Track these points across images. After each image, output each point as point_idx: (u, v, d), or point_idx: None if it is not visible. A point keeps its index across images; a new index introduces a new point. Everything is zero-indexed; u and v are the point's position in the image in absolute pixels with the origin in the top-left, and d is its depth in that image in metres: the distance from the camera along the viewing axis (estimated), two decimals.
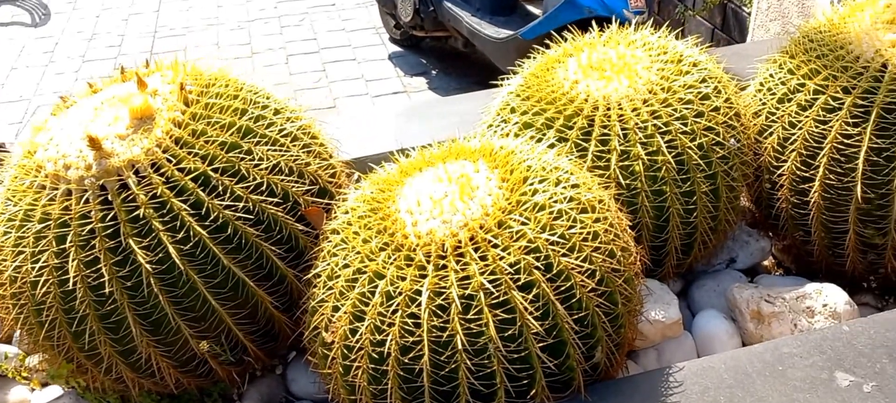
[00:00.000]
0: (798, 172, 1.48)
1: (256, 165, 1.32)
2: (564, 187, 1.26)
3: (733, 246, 1.68)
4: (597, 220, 1.24)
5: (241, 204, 1.27)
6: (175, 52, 5.50)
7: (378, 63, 5.08)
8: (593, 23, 1.77)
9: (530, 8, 4.47)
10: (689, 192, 1.45)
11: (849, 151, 1.39)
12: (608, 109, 1.48)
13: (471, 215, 1.21)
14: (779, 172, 1.51)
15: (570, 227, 1.20)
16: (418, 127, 2.04)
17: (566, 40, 1.71)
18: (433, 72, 4.93)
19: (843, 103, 1.40)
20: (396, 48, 5.24)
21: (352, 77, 4.93)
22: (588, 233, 1.21)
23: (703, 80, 1.51)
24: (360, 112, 2.25)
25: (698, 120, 1.46)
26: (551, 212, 1.21)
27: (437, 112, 2.12)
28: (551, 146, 1.50)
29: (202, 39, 5.62)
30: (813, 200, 1.46)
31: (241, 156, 1.31)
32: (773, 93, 1.54)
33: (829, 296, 1.42)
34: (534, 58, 1.71)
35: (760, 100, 1.58)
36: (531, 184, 1.25)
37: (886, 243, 1.41)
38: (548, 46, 1.72)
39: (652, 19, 2.94)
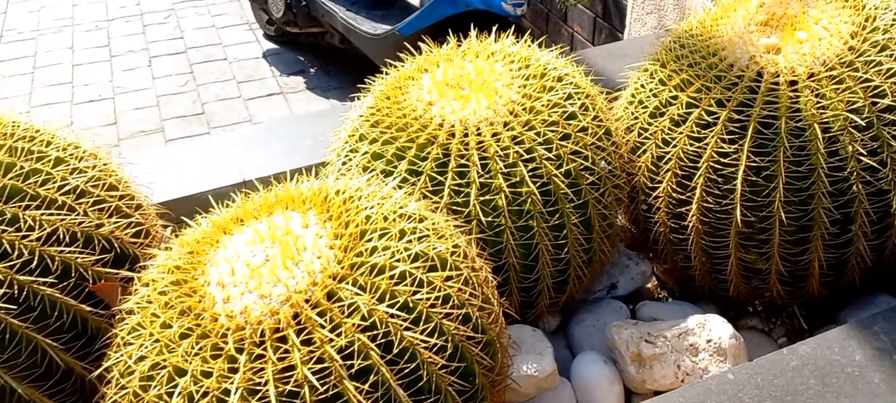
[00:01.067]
0: (674, 194, 1.34)
1: (24, 236, 1.04)
2: (410, 240, 1.06)
3: (613, 271, 1.54)
4: (449, 278, 1.05)
5: (2, 291, 1.00)
6: (23, 59, 4.87)
7: (251, 62, 4.74)
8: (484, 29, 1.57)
9: (410, 0, 4.25)
10: (559, 225, 1.29)
11: (726, 171, 1.26)
12: (465, 136, 1.30)
13: (295, 285, 0.99)
14: (654, 194, 1.37)
15: (415, 293, 1.00)
16: (266, 153, 1.79)
17: (421, 53, 1.50)
18: (311, 70, 4.64)
19: (717, 118, 1.27)
20: (271, 45, 4.91)
21: (223, 79, 4.57)
22: (437, 298, 1.02)
23: (569, 97, 1.34)
24: (202, 139, 1.97)
25: (564, 143, 1.29)
26: (392, 276, 1.00)
27: (289, 133, 1.88)
28: (403, 181, 1.31)
29: (54, 43, 5.08)
30: (691, 224, 1.33)
31: (2, 227, 1.03)
32: (645, 107, 1.40)
33: (713, 330, 1.29)
34: (386, 74, 1.50)
35: (632, 113, 1.43)
36: (370, 240, 1.05)
37: (770, 268, 1.30)
38: (433, 43, 1.53)
39: (512, 29, 2.77)
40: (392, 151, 1.33)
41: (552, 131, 1.29)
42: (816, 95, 1.22)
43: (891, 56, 1.22)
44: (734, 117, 1.26)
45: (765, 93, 1.25)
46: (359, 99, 1.52)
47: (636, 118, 1.42)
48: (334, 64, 4.65)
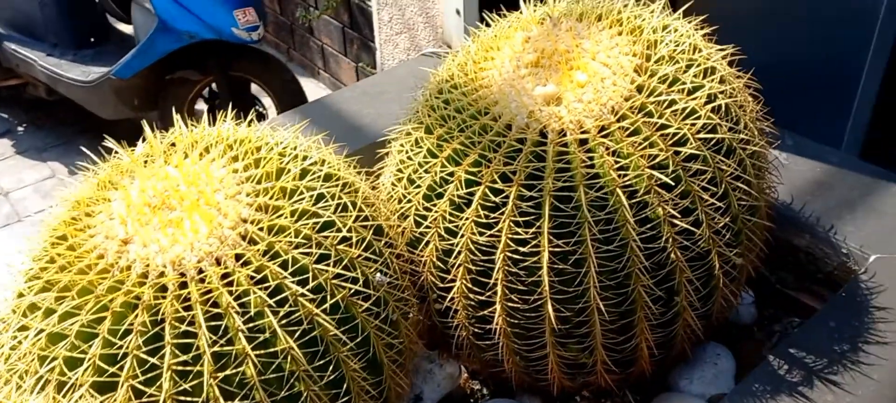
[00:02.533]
0: (472, 295, 1.07)
1: None
2: None
3: (415, 379, 1.25)
4: None
5: None
6: None
7: None
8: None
9: (128, 32, 3.63)
10: (336, 380, 0.96)
11: (528, 262, 1.01)
12: (183, 286, 0.92)
13: None
14: (448, 296, 1.10)
15: None
16: None
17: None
18: (19, 128, 3.84)
19: (506, 197, 1.01)
20: None
21: None
22: None
23: (320, 198, 1.01)
24: None
25: (324, 266, 0.96)
26: None
27: None
28: (99, 373, 0.90)
29: None
30: (498, 327, 1.07)
31: None
32: (417, 186, 1.11)
33: None
34: (53, 206, 1.06)
35: (403, 194, 1.14)
36: None
37: (595, 360, 1.08)
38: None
39: (230, 108, 2.40)
40: (77, 329, 0.91)
41: (304, 254, 0.96)
42: (613, 154, 1.00)
43: (683, 90, 1.04)
44: (525, 194, 1.01)
45: (555, 159, 1.01)
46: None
47: (409, 200, 1.13)
48: (48, 116, 3.88)
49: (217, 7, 2.74)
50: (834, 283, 1.31)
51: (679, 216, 1.00)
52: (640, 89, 1.04)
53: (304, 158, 1.08)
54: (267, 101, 3.15)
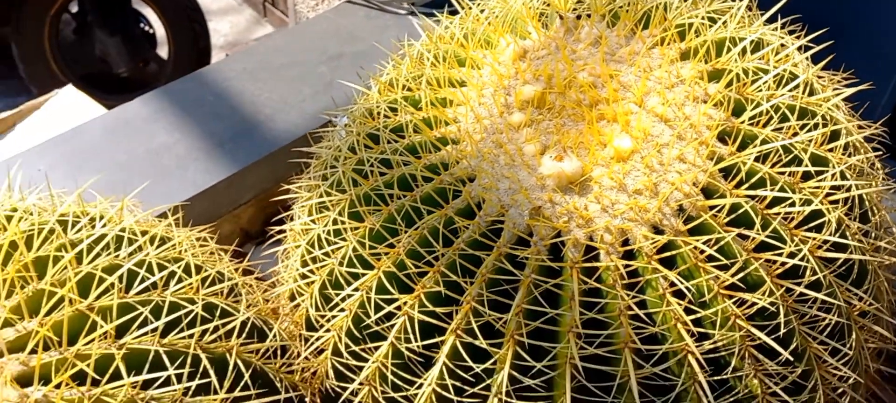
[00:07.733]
0: None
1: None
2: None
3: None
4: None
5: None
6: None
7: None
8: None
9: None
10: None
11: None
12: None
13: None
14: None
15: None
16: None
17: None
18: None
19: (493, 366, 0.58)
20: None
21: None
22: None
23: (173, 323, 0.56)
24: None
25: None
26: None
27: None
28: None
29: None
30: None
31: None
32: (339, 309, 0.66)
33: None
34: None
35: (317, 318, 0.69)
36: None
37: None
38: None
39: None
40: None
41: None
42: (681, 295, 0.57)
43: (796, 174, 0.60)
44: (526, 364, 0.57)
45: (579, 298, 0.57)
46: None
47: (327, 328, 0.68)
48: None
49: None
50: None
51: (784, 395, 0.59)
52: (727, 173, 0.60)
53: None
54: (152, 17, 2.54)
